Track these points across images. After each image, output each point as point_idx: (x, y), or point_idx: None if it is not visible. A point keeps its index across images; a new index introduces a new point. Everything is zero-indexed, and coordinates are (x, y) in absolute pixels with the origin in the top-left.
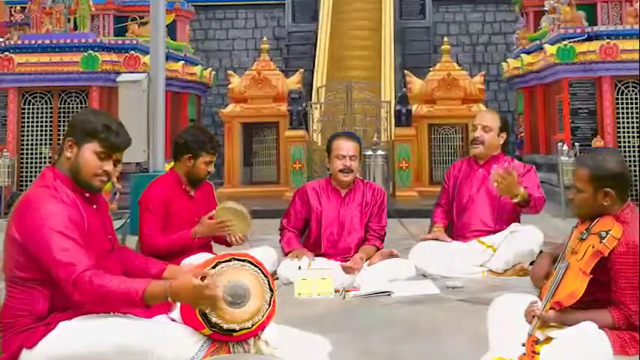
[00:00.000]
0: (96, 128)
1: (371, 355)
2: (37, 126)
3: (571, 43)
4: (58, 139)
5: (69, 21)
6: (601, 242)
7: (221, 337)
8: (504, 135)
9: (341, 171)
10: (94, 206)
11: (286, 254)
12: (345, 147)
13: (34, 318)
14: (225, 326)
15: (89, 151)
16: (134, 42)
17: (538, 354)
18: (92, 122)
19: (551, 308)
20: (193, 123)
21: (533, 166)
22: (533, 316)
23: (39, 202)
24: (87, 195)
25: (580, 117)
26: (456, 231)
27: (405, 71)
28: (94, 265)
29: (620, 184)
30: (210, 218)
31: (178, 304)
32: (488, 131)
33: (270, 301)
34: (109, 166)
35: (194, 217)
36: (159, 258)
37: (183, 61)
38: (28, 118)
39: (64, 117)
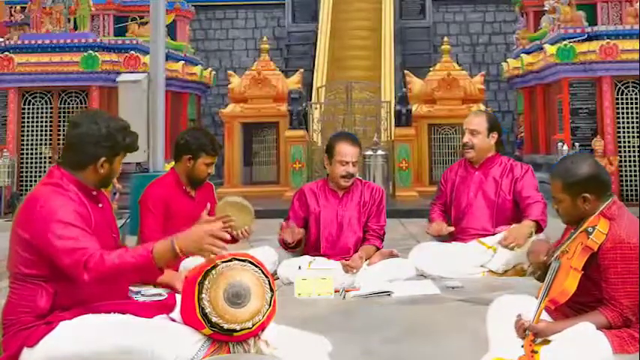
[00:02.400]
0: (128, 143)
1: (371, 355)
2: (37, 126)
3: (571, 43)
4: (58, 139)
5: (69, 21)
6: (589, 238)
7: (221, 337)
8: (495, 135)
9: (343, 177)
10: (100, 205)
11: (283, 242)
12: (350, 153)
13: (36, 315)
14: (225, 326)
15: (118, 162)
16: (134, 42)
17: (537, 353)
18: (125, 138)
19: (547, 308)
20: (193, 123)
21: (531, 167)
22: (524, 330)
23: (46, 198)
24: (94, 193)
25: (580, 117)
26: (455, 235)
27: (405, 71)
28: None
29: (595, 186)
30: (210, 214)
31: (178, 305)
32: (477, 134)
33: (271, 301)
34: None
35: (195, 218)
36: None
37: (183, 61)
38: (28, 118)
39: (64, 117)
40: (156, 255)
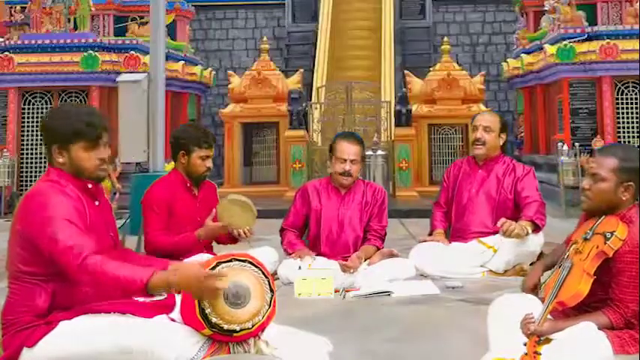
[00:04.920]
0: (73, 129)
1: (371, 355)
2: (37, 126)
3: (571, 43)
4: None
5: (69, 21)
6: (605, 243)
7: (221, 337)
8: (504, 136)
9: (341, 174)
10: (97, 202)
11: (289, 255)
12: (347, 151)
13: (35, 314)
14: (225, 327)
15: (79, 151)
16: (134, 42)
17: (540, 354)
18: (67, 126)
19: (554, 308)
20: (193, 122)
21: (532, 168)
22: (529, 329)
23: (44, 195)
24: (90, 187)
25: (580, 117)
26: (455, 232)
27: (405, 71)
28: (98, 251)
29: None
30: (214, 219)
31: (178, 305)
32: (489, 132)
33: (271, 301)
34: (100, 153)
35: (197, 217)
36: (162, 257)
37: (183, 61)
38: (28, 118)
39: None
40: (151, 285)
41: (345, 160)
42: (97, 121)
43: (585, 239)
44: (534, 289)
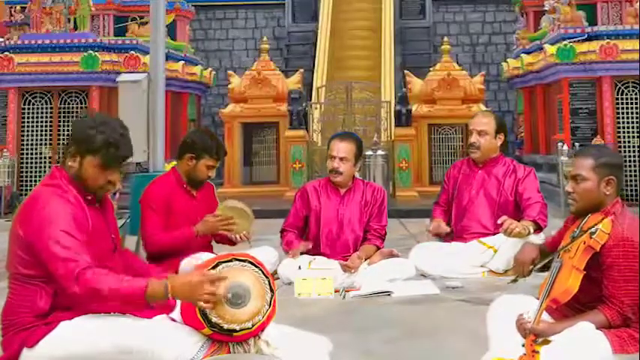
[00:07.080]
0: (95, 145)
1: (371, 355)
2: (37, 126)
3: (571, 43)
4: (58, 139)
5: (69, 21)
6: (591, 238)
7: (221, 337)
8: (502, 136)
9: (330, 172)
10: (98, 205)
11: (287, 254)
12: (336, 148)
13: (36, 315)
14: (225, 326)
15: (90, 166)
16: (134, 42)
17: (538, 353)
18: (93, 138)
19: (548, 307)
20: (193, 123)
21: (533, 169)
22: (525, 330)
23: (45, 201)
24: (89, 198)
25: (580, 117)
26: (456, 233)
27: (405, 71)
28: (95, 264)
29: (619, 174)
30: (214, 217)
31: (179, 304)
32: (484, 135)
33: (271, 301)
34: (113, 175)
35: (195, 217)
36: (160, 256)
37: (183, 61)
38: (28, 118)
39: (64, 117)
40: (149, 293)
41: (334, 158)
42: (121, 145)
43: (573, 237)
44: (532, 264)
